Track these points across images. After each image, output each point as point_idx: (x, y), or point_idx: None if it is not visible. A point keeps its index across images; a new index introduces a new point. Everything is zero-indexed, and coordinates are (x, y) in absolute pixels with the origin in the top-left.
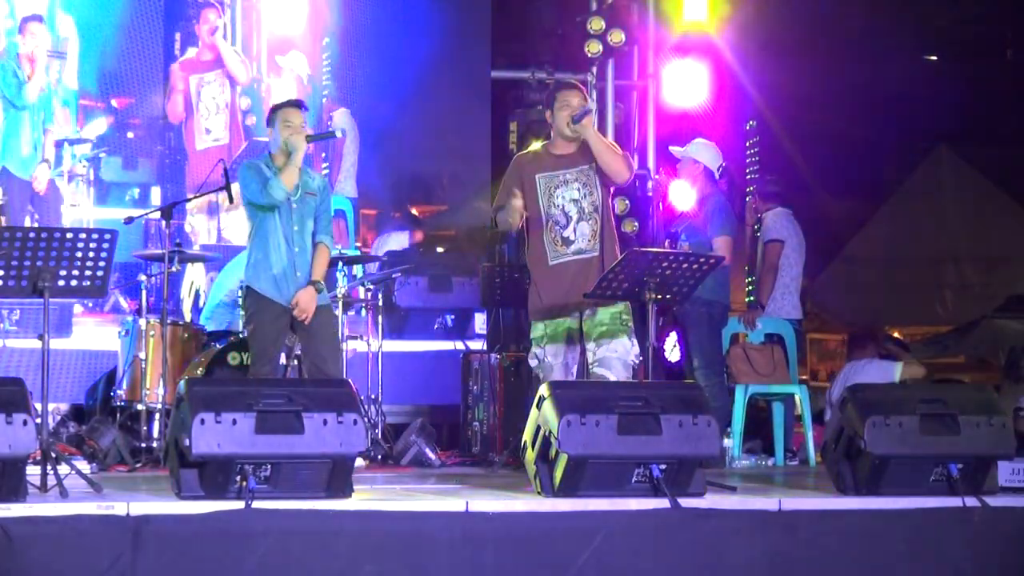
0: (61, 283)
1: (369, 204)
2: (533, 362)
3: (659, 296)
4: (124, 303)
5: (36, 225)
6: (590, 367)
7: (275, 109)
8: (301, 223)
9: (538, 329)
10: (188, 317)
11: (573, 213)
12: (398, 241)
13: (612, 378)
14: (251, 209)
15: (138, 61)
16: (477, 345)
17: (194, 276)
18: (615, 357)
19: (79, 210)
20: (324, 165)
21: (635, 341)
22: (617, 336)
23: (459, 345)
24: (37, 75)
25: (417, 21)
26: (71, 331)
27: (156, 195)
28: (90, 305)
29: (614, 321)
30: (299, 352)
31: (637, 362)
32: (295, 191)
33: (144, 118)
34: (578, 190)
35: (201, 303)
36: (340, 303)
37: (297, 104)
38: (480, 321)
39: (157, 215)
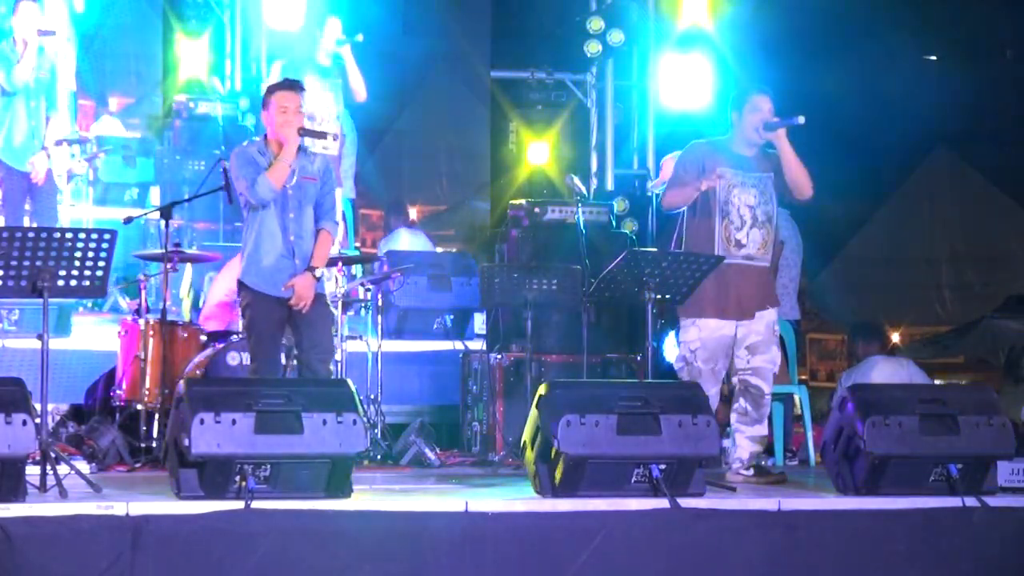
0: (60, 283)
1: (368, 204)
2: (679, 364)
3: (659, 296)
4: (123, 303)
5: (32, 219)
6: (740, 374)
7: (271, 90)
8: (298, 210)
9: (691, 332)
10: (187, 317)
11: (747, 217)
12: (408, 239)
13: (766, 389)
14: (244, 199)
15: (137, 61)
16: (476, 345)
17: (193, 276)
18: (770, 369)
19: (78, 210)
20: None
21: (780, 350)
22: (771, 346)
23: (458, 345)
24: (27, 57)
25: (417, 21)
26: (70, 331)
27: (155, 195)
28: (89, 305)
29: (768, 331)
30: (251, 357)
31: (775, 372)
32: (290, 177)
33: (144, 118)
34: (755, 196)
35: (201, 303)
36: (340, 303)
37: (294, 86)
38: (479, 321)
39: (156, 215)
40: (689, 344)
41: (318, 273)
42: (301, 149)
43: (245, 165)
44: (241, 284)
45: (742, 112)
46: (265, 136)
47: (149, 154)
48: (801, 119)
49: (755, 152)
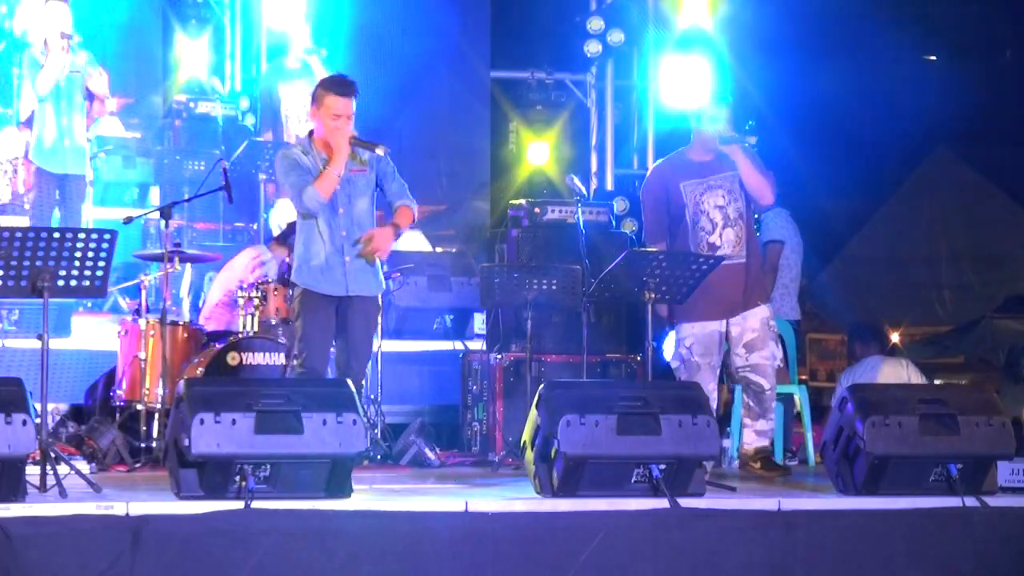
0: (61, 283)
1: None
2: (675, 363)
3: (658, 296)
4: (123, 303)
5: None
6: (739, 371)
7: (324, 88)
8: (348, 205)
9: (684, 330)
10: (187, 317)
11: (718, 219)
12: (407, 239)
13: (766, 385)
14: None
15: (137, 61)
16: (476, 345)
17: (193, 276)
18: (768, 364)
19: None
20: None
21: (779, 346)
22: (768, 342)
23: (458, 345)
24: (52, 60)
25: (417, 21)
26: (70, 331)
27: (155, 195)
28: (89, 305)
29: (763, 327)
30: (296, 352)
31: (780, 366)
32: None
33: (143, 118)
34: (723, 196)
35: (201, 303)
36: None
37: (349, 91)
38: (479, 321)
39: (156, 215)
40: (684, 341)
41: (399, 231)
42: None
43: (291, 170)
44: (293, 284)
45: (700, 120)
46: (311, 133)
47: (148, 154)
48: (751, 140)
49: (715, 154)
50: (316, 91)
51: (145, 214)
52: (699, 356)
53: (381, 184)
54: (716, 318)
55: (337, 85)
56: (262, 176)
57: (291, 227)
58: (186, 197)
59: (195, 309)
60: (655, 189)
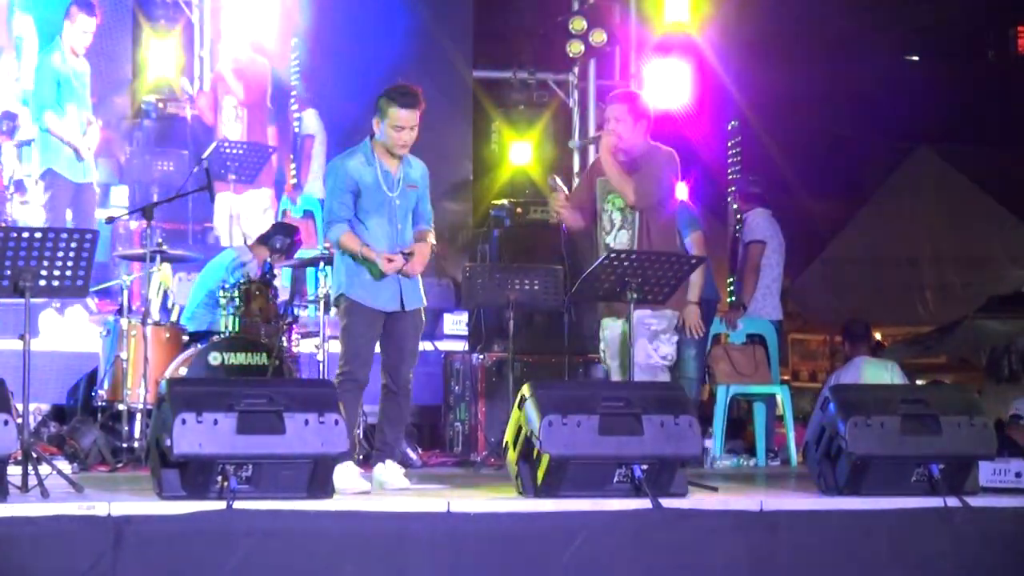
0: (43, 283)
1: None
2: (605, 365)
3: (640, 296)
4: (92, 304)
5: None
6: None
7: (388, 99)
8: (404, 220)
9: (603, 327)
10: (156, 317)
11: (617, 220)
12: None
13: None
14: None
15: (105, 60)
16: (448, 346)
17: (162, 276)
18: (640, 363)
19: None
20: (292, 166)
21: (660, 343)
22: (638, 340)
23: (428, 346)
24: (83, 66)
25: (399, 21)
26: (38, 331)
27: (118, 195)
28: (57, 306)
29: (638, 324)
30: (341, 362)
31: (663, 363)
32: (395, 185)
33: (108, 118)
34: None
35: (170, 303)
36: (320, 304)
37: (412, 100)
38: (450, 322)
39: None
40: (600, 345)
41: (434, 247)
42: (402, 159)
43: (338, 193)
44: (343, 296)
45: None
46: (372, 136)
47: (109, 154)
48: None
49: (632, 157)
50: (379, 101)
51: (130, 215)
52: (610, 358)
53: (416, 201)
54: (615, 315)
55: (401, 96)
56: (231, 177)
57: (275, 228)
58: (166, 198)
59: (164, 310)
60: (588, 176)
